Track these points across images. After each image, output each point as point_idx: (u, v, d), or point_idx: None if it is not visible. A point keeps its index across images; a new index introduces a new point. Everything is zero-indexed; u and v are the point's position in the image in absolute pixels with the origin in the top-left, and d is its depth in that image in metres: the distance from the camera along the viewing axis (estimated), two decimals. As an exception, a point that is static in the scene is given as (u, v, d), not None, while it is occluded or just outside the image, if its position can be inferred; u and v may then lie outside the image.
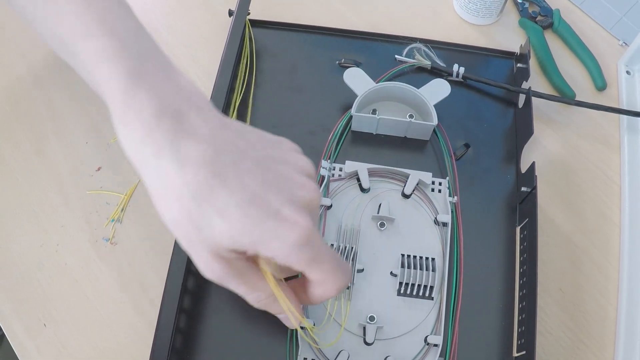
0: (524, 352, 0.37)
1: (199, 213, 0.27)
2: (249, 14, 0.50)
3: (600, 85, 0.51)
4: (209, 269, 0.28)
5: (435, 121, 0.44)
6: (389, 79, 0.49)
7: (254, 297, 0.31)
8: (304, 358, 0.38)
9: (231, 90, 0.48)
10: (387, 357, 0.38)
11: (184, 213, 0.27)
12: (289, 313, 0.31)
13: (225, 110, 0.47)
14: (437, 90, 0.46)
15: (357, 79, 0.46)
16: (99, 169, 0.46)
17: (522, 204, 0.44)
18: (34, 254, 0.43)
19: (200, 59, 0.52)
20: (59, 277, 0.42)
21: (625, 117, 0.49)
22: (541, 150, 0.48)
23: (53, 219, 0.44)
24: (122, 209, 0.45)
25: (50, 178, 0.46)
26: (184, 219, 0.27)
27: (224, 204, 0.27)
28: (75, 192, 0.45)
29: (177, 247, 0.39)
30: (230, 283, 0.29)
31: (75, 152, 0.47)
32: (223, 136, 0.28)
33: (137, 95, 0.27)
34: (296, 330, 0.38)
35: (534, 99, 0.47)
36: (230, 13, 0.50)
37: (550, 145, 0.48)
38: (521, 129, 0.47)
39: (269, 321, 0.40)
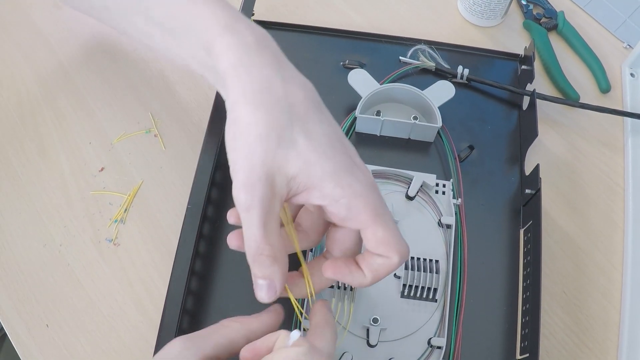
0: (527, 355, 0.37)
1: (288, 126, 0.27)
2: (253, 14, 0.50)
3: (605, 87, 0.50)
4: (250, 187, 0.27)
5: (439, 123, 0.44)
6: (393, 81, 0.49)
7: (259, 247, 0.28)
8: None
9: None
10: (390, 359, 0.38)
11: (272, 121, 0.27)
12: (279, 280, 0.29)
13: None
14: (442, 92, 0.46)
15: (361, 81, 0.46)
16: (102, 169, 0.46)
17: (526, 206, 0.44)
18: (36, 254, 0.43)
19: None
20: (62, 278, 0.42)
21: (629, 119, 0.49)
22: (545, 153, 0.48)
23: (56, 220, 0.44)
24: (125, 210, 0.44)
25: (54, 178, 0.46)
26: (267, 126, 0.27)
27: (315, 127, 0.28)
28: (79, 192, 0.45)
29: (180, 248, 0.39)
30: (254, 215, 0.27)
31: (79, 153, 0.47)
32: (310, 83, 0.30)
33: (245, 20, 0.30)
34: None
35: (538, 101, 0.47)
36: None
37: (554, 147, 0.48)
38: (525, 131, 0.47)
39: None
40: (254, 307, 0.40)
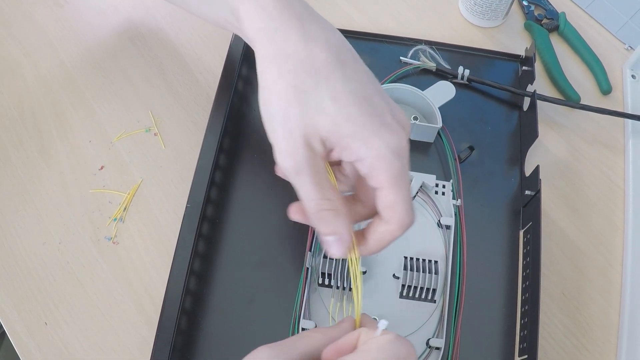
0: (525, 356, 0.37)
1: (314, 88, 0.27)
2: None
3: (606, 88, 0.50)
4: (293, 153, 0.28)
5: (439, 123, 0.44)
6: (394, 81, 0.49)
7: (318, 204, 0.29)
8: None
9: (235, 90, 0.48)
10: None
11: (298, 85, 0.28)
12: (346, 231, 0.29)
13: (230, 110, 0.47)
14: (442, 92, 0.46)
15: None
16: (102, 167, 0.46)
17: (525, 207, 0.44)
18: (36, 252, 0.43)
19: (204, 58, 0.51)
20: (61, 276, 0.42)
21: (630, 121, 0.49)
22: (545, 154, 0.48)
23: (55, 218, 0.44)
24: (125, 208, 0.44)
25: (53, 176, 0.46)
26: (294, 90, 0.27)
27: (340, 87, 0.28)
28: (78, 191, 0.45)
29: (179, 248, 0.39)
30: (304, 177, 0.28)
31: (79, 151, 0.47)
32: (340, 36, 0.30)
33: None
34: (298, 331, 0.38)
35: (538, 102, 0.47)
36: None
37: (554, 148, 0.48)
38: (526, 132, 0.47)
39: (269, 322, 0.40)
40: (252, 307, 0.40)
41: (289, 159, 0.28)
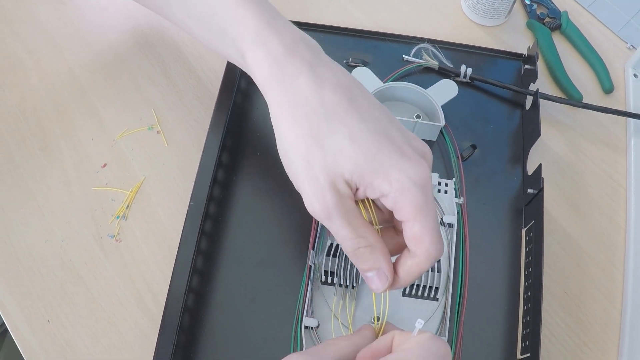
0: (528, 355, 0.37)
1: (330, 131, 0.28)
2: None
3: (608, 87, 0.50)
4: (320, 198, 0.28)
5: (442, 122, 0.44)
6: (397, 79, 0.49)
7: (354, 243, 0.29)
8: (308, 357, 0.38)
9: (238, 88, 0.48)
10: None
11: (314, 130, 0.28)
12: (385, 265, 0.29)
13: (232, 108, 0.47)
14: (445, 90, 0.46)
15: (364, 79, 0.46)
16: (104, 165, 0.46)
17: (528, 206, 0.44)
18: (38, 249, 0.43)
19: (207, 56, 0.51)
20: (63, 274, 0.42)
21: (632, 120, 0.49)
22: (547, 152, 0.48)
23: (58, 215, 0.44)
24: (127, 206, 0.44)
25: (56, 174, 0.46)
26: (311, 136, 0.28)
27: (355, 127, 0.28)
28: (81, 188, 0.45)
29: (182, 246, 0.39)
30: (336, 221, 0.29)
31: (82, 149, 0.47)
32: (350, 76, 0.31)
33: (277, 24, 0.30)
34: (300, 329, 0.38)
35: (540, 101, 0.47)
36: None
37: (556, 147, 0.48)
38: (528, 130, 0.47)
39: (272, 320, 0.40)
40: (255, 305, 0.40)
41: (318, 205, 0.29)
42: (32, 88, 0.50)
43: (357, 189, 0.29)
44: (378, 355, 0.28)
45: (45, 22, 0.53)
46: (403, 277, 0.30)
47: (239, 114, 0.48)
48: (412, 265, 0.30)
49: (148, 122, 0.48)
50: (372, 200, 0.31)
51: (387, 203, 0.29)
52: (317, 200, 0.29)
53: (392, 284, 0.31)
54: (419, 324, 0.27)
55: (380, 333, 0.31)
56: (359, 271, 0.31)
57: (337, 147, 0.28)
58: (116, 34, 0.53)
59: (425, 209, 0.28)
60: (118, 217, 0.44)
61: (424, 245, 0.29)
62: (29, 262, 0.43)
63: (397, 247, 0.32)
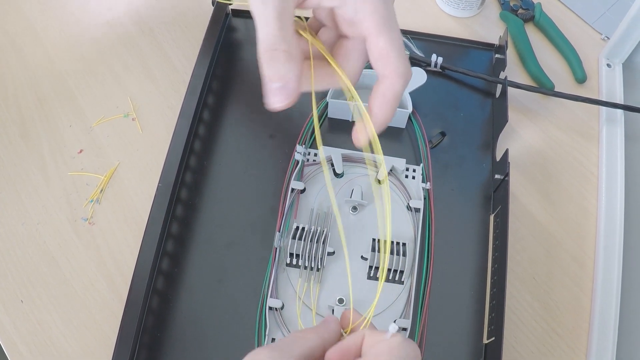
0: (493, 338, 0.38)
1: None
2: (230, 3, 0.51)
3: (580, 77, 0.51)
4: None
5: (410, 108, 0.45)
6: (366, 67, 0.49)
7: (274, 41, 0.26)
8: (272, 338, 0.38)
9: (213, 75, 0.49)
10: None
11: None
12: (293, 82, 0.26)
13: (205, 97, 0.48)
14: (413, 78, 0.46)
15: (335, 67, 0.47)
16: (80, 151, 0.47)
17: (496, 191, 0.44)
18: (14, 232, 0.44)
19: (183, 45, 0.53)
20: (38, 255, 0.43)
21: (604, 108, 0.49)
22: (518, 141, 0.48)
23: (35, 199, 0.45)
24: (101, 190, 0.45)
25: (34, 160, 0.47)
26: None
27: None
28: (57, 173, 0.46)
29: (149, 225, 0.40)
30: (268, 6, 0.26)
31: (59, 135, 0.48)
32: None
33: None
34: (265, 310, 0.39)
35: (512, 90, 0.47)
36: (213, 2, 0.51)
37: (527, 135, 0.49)
38: (497, 118, 0.47)
39: (239, 301, 0.40)
40: (222, 286, 0.41)
41: None
42: (13, 76, 0.51)
43: None
44: (348, 354, 0.27)
45: (27, 13, 0.54)
46: (380, 108, 0.28)
47: (215, 104, 0.48)
48: (385, 90, 0.27)
49: (124, 110, 0.49)
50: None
51: (345, 13, 0.27)
52: None
53: (373, 124, 0.28)
54: (393, 328, 0.27)
55: (350, 323, 0.30)
56: (264, 80, 0.26)
57: None
58: (96, 25, 0.54)
59: (389, 21, 0.26)
60: (92, 200, 0.45)
61: (392, 62, 0.26)
62: (4, 244, 0.44)
63: (317, 79, 0.28)
